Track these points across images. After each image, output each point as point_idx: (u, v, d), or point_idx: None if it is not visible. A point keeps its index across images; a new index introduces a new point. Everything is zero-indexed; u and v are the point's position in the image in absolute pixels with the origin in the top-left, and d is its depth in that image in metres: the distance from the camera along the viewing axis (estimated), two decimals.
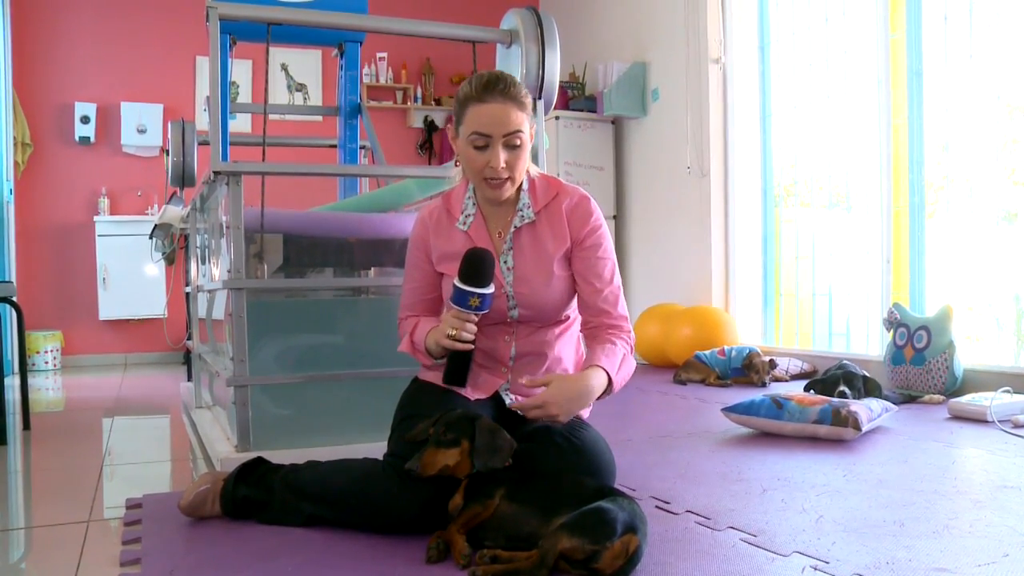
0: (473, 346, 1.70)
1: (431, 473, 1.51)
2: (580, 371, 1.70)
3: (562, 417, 1.62)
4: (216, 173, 2.31)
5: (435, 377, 1.83)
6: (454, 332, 1.66)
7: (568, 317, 1.88)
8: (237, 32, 3.20)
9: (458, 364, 1.71)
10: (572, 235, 1.79)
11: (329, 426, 2.42)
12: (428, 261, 1.86)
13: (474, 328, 1.68)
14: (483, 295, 1.65)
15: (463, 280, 1.65)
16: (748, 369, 3.97)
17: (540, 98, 2.49)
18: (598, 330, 1.79)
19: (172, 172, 3.67)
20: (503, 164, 1.69)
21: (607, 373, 1.68)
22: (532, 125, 1.76)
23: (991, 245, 3.59)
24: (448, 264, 1.81)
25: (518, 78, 2.22)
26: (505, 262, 1.79)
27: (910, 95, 3.88)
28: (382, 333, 2.46)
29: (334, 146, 3.79)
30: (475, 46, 2.68)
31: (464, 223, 1.82)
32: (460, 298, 1.65)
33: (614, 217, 5.75)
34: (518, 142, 1.70)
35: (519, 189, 1.82)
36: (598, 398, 1.70)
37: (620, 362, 1.73)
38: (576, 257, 1.80)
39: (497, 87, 1.68)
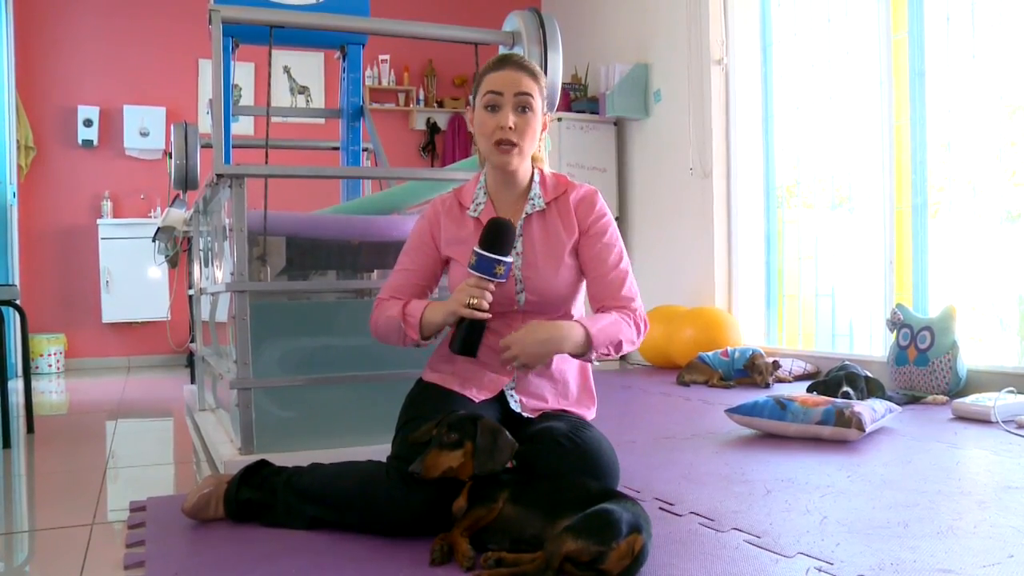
0: (490, 315, 1.70)
1: (434, 475, 1.51)
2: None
3: (525, 360, 1.66)
4: (219, 176, 2.31)
5: (440, 379, 1.84)
6: (475, 300, 1.67)
7: (572, 316, 1.89)
8: (239, 35, 3.20)
9: (474, 333, 1.71)
10: (579, 224, 1.84)
11: (332, 429, 2.42)
12: (433, 244, 1.89)
13: (491, 297, 1.70)
14: (506, 263, 1.68)
15: (487, 247, 1.67)
16: (751, 370, 3.97)
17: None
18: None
19: (175, 175, 3.67)
20: (511, 123, 1.74)
21: (585, 328, 1.69)
22: (544, 102, 1.82)
23: (994, 245, 3.58)
24: (456, 248, 1.85)
25: None
26: (515, 247, 1.81)
27: (912, 95, 3.87)
28: None
29: (337, 148, 3.79)
30: (477, 48, 2.69)
31: (475, 210, 1.86)
32: (484, 265, 1.67)
33: (617, 218, 5.73)
34: (527, 107, 1.76)
35: (531, 180, 1.86)
36: (581, 357, 1.74)
37: (606, 324, 1.73)
38: (582, 245, 1.84)
39: (512, 59, 1.80)
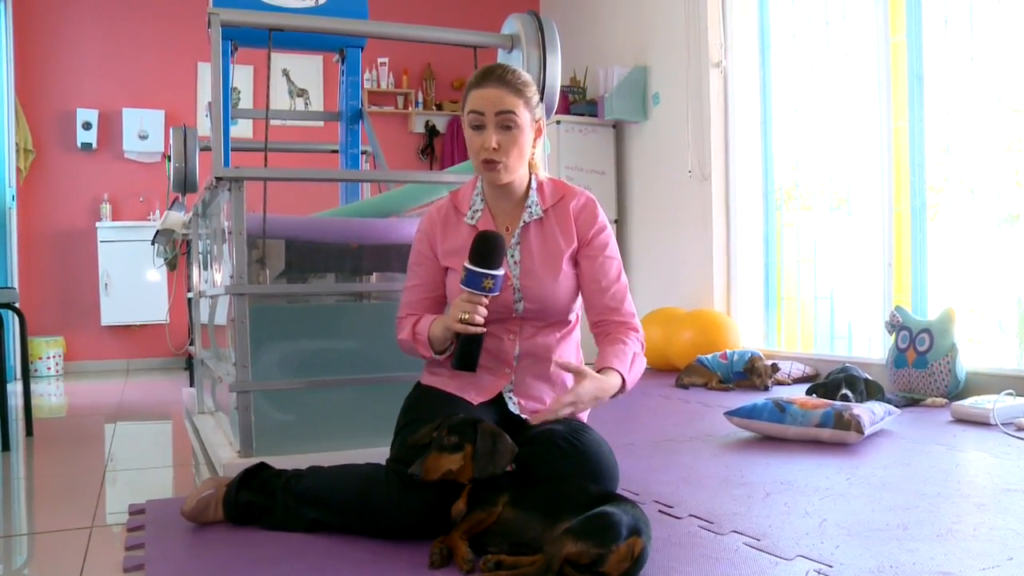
0: (484, 329, 1.70)
1: (434, 478, 1.51)
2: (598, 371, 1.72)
3: (578, 411, 1.69)
4: (218, 179, 2.31)
5: (438, 382, 1.84)
6: (467, 316, 1.67)
7: (570, 321, 1.89)
8: (239, 38, 3.20)
9: (469, 348, 1.72)
10: (579, 235, 1.84)
11: (332, 431, 2.42)
12: (434, 256, 1.88)
13: (485, 312, 1.69)
14: (496, 276, 1.67)
15: (475, 262, 1.67)
16: (750, 373, 3.97)
17: (541, 101, 2.49)
18: (607, 327, 1.82)
19: (174, 178, 3.67)
20: (495, 144, 1.73)
21: (620, 375, 1.71)
22: (533, 115, 1.80)
23: (993, 247, 3.59)
24: (453, 258, 1.84)
25: None
26: (512, 256, 1.82)
27: (911, 98, 3.88)
28: (385, 338, 2.46)
29: (336, 151, 3.80)
30: (476, 51, 2.69)
31: (472, 218, 1.86)
32: (473, 280, 1.66)
33: (615, 221, 5.75)
34: (511, 125, 1.74)
35: (528, 187, 1.85)
36: (612, 396, 1.74)
37: (631, 362, 1.76)
38: (583, 257, 1.84)
39: (495, 73, 1.77)
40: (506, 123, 1.74)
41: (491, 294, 1.68)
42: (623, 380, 1.72)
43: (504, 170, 1.77)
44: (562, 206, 1.86)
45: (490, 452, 1.52)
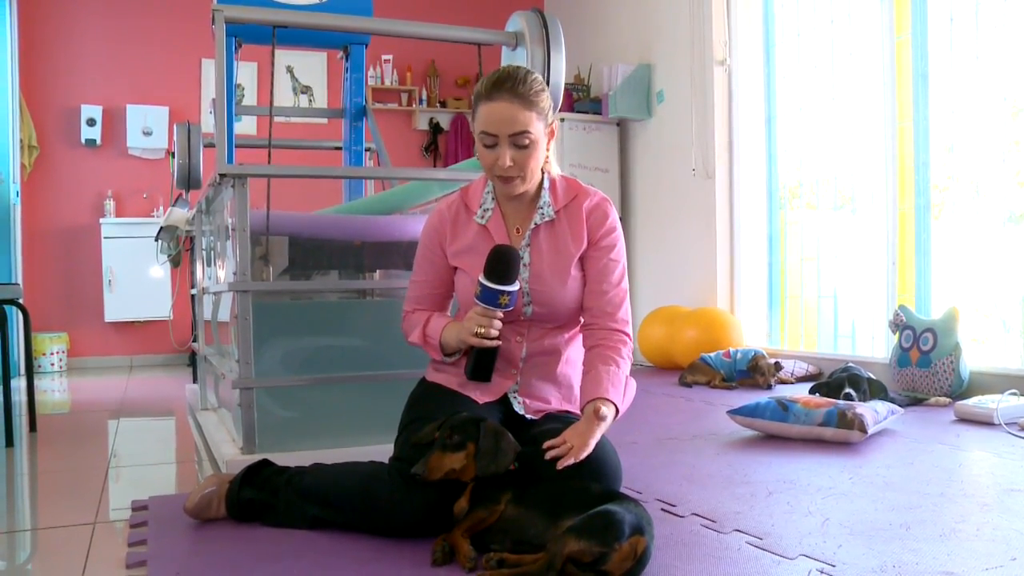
0: (499, 343, 1.70)
1: (437, 477, 1.51)
2: (590, 402, 1.66)
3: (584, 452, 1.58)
4: (222, 175, 2.31)
5: (443, 379, 1.84)
6: (482, 330, 1.67)
7: (579, 322, 1.88)
8: (243, 35, 3.20)
9: (484, 361, 1.72)
10: (589, 235, 1.81)
11: (334, 429, 2.42)
12: (442, 253, 1.87)
13: (500, 325, 1.69)
14: (511, 292, 1.67)
15: (490, 278, 1.66)
16: (753, 371, 3.97)
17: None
18: (597, 332, 1.78)
19: (178, 174, 3.68)
20: (510, 163, 1.70)
21: (615, 406, 1.67)
22: (547, 123, 1.75)
23: (997, 246, 3.58)
24: (463, 257, 1.83)
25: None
26: (521, 258, 1.79)
27: (915, 96, 3.87)
28: (388, 335, 2.47)
29: (339, 148, 3.80)
30: (480, 48, 2.69)
31: (482, 217, 1.83)
32: (489, 297, 1.66)
33: (619, 219, 5.74)
34: (526, 142, 1.70)
35: (540, 187, 1.83)
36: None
37: (625, 388, 1.72)
38: (588, 257, 1.82)
39: (505, 85, 1.68)
40: (521, 142, 1.69)
41: (506, 309, 1.69)
42: (616, 409, 1.67)
43: (521, 181, 1.75)
44: (575, 206, 1.82)
45: (493, 451, 1.52)
